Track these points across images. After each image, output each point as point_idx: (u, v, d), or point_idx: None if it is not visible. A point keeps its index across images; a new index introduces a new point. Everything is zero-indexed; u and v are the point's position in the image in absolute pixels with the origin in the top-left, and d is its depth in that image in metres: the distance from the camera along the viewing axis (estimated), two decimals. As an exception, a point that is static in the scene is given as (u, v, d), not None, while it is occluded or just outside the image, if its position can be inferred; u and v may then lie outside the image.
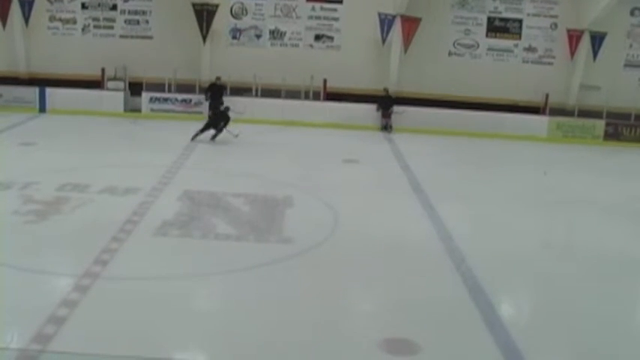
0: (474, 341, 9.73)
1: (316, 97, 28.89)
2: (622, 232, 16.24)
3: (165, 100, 27.87)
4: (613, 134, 28.75)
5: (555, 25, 29.96)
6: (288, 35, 29.73)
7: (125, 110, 27.81)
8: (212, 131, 23.12)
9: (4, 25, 28.38)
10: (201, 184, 17.40)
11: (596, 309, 11.23)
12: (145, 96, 27.81)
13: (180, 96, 27.98)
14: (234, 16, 29.54)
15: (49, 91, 27.36)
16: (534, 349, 9.51)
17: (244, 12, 29.52)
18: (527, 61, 30.24)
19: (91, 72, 28.13)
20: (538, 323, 10.72)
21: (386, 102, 27.87)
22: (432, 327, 10.03)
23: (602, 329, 10.48)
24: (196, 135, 22.85)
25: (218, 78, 27.29)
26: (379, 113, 27.98)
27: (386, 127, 27.69)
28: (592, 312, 11.09)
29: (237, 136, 23.35)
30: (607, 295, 11.93)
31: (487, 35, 30.09)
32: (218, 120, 23.35)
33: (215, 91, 27.12)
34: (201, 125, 23.19)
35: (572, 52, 29.58)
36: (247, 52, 29.42)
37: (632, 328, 10.90)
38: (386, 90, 28.09)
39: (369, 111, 27.50)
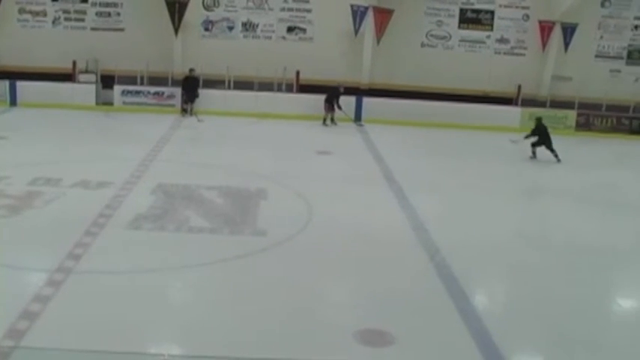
0: (448, 331, 9.77)
1: (289, 88, 28.90)
2: (594, 221, 16.44)
3: (138, 92, 27.73)
4: (584, 124, 29.02)
5: (527, 16, 30.17)
6: (260, 27, 29.72)
7: (97, 103, 27.67)
8: None
9: (-28, 17, 28.12)
10: (175, 176, 17.32)
11: (569, 297, 11.33)
12: (117, 89, 27.68)
13: (152, 89, 27.86)
14: (206, 8, 29.46)
15: (19, 84, 27.12)
16: (508, 338, 9.57)
17: (216, 4, 29.45)
18: (500, 52, 30.47)
19: (63, 65, 27.93)
20: (512, 312, 10.82)
21: (332, 95, 27.19)
22: (407, 318, 10.05)
23: (575, 317, 10.57)
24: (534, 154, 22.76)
25: (192, 70, 27.25)
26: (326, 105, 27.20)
27: (325, 120, 27.18)
28: (565, 300, 11.18)
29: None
30: (580, 283, 12.04)
31: (459, 26, 30.29)
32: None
33: (189, 84, 27.09)
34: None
35: (544, 43, 29.84)
36: (220, 44, 29.38)
37: (604, 315, 10.99)
38: (338, 84, 27.42)
39: (341, 102, 27.30)
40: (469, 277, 11.73)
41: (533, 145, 22.65)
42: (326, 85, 27.58)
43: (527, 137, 22.78)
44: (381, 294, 10.88)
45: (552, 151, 22.45)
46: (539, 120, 23.09)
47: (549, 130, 22.95)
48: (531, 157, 22.58)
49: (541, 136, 22.65)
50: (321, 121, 27.05)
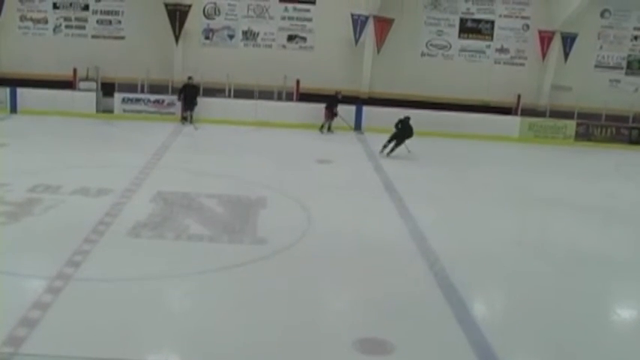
0: (447, 340, 9.78)
1: (289, 97, 28.92)
2: (593, 231, 16.46)
3: (138, 100, 27.73)
4: (584, 134, 29.07)
5: (527, 26, 30.22)
6: (261, 36, 29.74)
7: (97, 111, 27.63)
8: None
9: (-27, 24, 28.15)
10: (175, 184, 17.31)
11: (568, 306, 11.34)
12: (118, 96, 27.66)
13: (152, 96, 27.86)
14: (207, 16, 29.49)
15: (20, 91, 27.09)
16: (507, 348, 9.58)
17: (217, 12, 29.48)
18: (499, 62, 30.51)
19: (63, 72, 27.93)
20: (511, 321, 10.83)
21: (331, 102, 27.34)
22: (406, 326, 10.05)
23: (574, 327, 10.59)
24: (385, 147, 23.24)
25: (190, 78, 27.28)
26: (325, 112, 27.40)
27: (322, 127, 27.38)
28: (564, 310, 11.19)
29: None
30: (579, 293, 12.06)
31: (459, 36, 30.33)
32: (404, 133, 23.27)
33: (189, 92, 27.10)
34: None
35: (544, 53, 29.88)
36: (220, 53, 29.39)
37: (603, 325, 11.00)
38: (337, 92, 27.55)
39: (342, 111, 27.35)
40: (468, 286, 11.74)
41: (390, 140, 23.18)
42: (326, 93, 27.58)
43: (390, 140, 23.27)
44: (381, 303, 10.89)
45: (395, 147, 23.15)
46: (406, 119, 23.51)
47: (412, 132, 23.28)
48: (386, 153, 23.12)
49: (404, 130, 23.18)
50: (319, 129, 27.12)
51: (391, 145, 23.08)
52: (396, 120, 23.45)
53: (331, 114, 27.06)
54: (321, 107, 27.21)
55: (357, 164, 21.97)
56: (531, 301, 11.53)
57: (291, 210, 15.99)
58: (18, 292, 10.35)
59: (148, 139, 23.26)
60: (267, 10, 29.56)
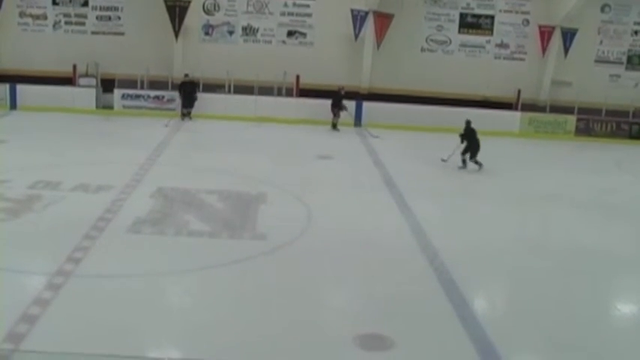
0: (447, 336, 9.78)
1: (289, 93, 28.90)
2: (594, 226, 16.43)
3: (138, 96, 27.72)
4: (584, 129, 29.05)
5: (527, 21, 30.21)
6: (260, 31, 29.74)
7: (97, 107, 27.65)
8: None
9: (-27, 21, 28.11)
10: (175, 180, 17.32)
11: (568, 302, 11.34)
12: (117, 93, 27.68)
13: (152, 93, 27.85)
14: (207, 12, 29.47)
15: (19, 87, 27.09)
16: (508, 343, 9.57)
17: (217, 8, 29.46)
18: (500, 57, 30.51)
19: (63, 68, 27.90)
20: (511, 317, 10.82)
21: (335, 99, 27.23)
22: (406, 322, 10.05)
23: (574, 322, 10.58)
24: (464, 162, 20.87)
25: (186, 75, 27.27)
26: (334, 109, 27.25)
27: (334, 125, 27.21)
28: (565, 305, 11.19)
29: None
30: (579, 289, 12.06)
31: (459, 31, 30.34)
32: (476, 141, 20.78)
33: (187, 88, 27.08)
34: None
35: (544, 48, 29.87)
36: (220, 49, 29.39)
37: (604, 321, 10.98)
38: (340, 88, 27.47)
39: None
40: (469, 282, 11.73)
41: (463, 152, 20.91)
42: (326, 89, 27.57)
43: (464, 153, 20.88)
44: (381, 299, 10.89)
45: (476, 162, 20.79)
46: (467, 123, 21.31)
47: (478, 135, 20.94)
48: (460, 167, 20.94)
49: (469, 141, 20.86)
50: (330, 126, 27.05)
51: (467, 155, 20.83)
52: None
53: (337, 110, 27.02)
54: (321, 104, 27.16)
55: (357, 160, 21.95)
56: (531, 297, 11.52)
57: (291, 206, 15.98)
58: (18, 289, 10.36)
59: (147, 135, 23.25)
60: (266, 5, 29.54)
